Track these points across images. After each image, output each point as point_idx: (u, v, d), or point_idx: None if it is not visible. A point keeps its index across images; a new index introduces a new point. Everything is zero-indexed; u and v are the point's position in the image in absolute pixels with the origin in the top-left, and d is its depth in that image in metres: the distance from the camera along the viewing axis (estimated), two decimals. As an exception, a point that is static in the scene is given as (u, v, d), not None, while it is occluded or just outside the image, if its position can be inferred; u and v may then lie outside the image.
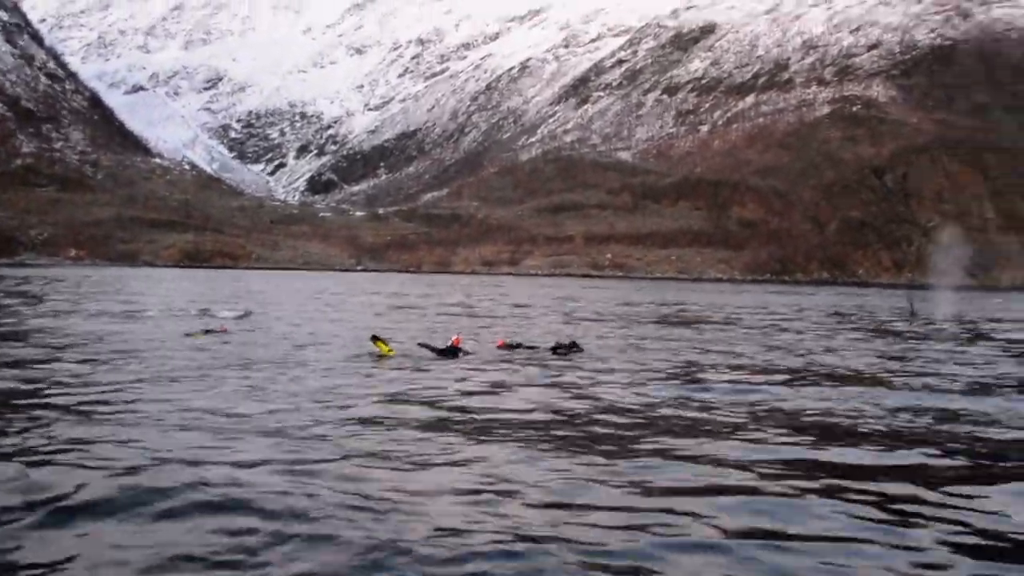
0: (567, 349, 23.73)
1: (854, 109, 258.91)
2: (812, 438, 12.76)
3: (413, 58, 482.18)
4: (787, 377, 19.94)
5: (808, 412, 15.11)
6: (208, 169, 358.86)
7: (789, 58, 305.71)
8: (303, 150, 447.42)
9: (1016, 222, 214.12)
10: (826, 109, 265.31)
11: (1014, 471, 11.11)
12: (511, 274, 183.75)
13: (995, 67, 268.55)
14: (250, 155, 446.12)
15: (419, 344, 23.28)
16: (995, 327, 43.04)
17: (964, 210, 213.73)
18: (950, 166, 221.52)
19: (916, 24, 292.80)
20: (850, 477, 10.44)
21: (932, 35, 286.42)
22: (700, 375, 19.96)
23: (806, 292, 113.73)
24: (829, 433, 13.24)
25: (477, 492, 9.38)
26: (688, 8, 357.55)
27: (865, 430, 13.48)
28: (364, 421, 13.17)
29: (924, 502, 9.46)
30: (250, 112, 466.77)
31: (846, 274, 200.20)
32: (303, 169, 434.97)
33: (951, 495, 9.71)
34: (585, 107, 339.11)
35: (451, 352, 22.21)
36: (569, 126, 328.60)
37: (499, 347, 24.45)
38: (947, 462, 11.45)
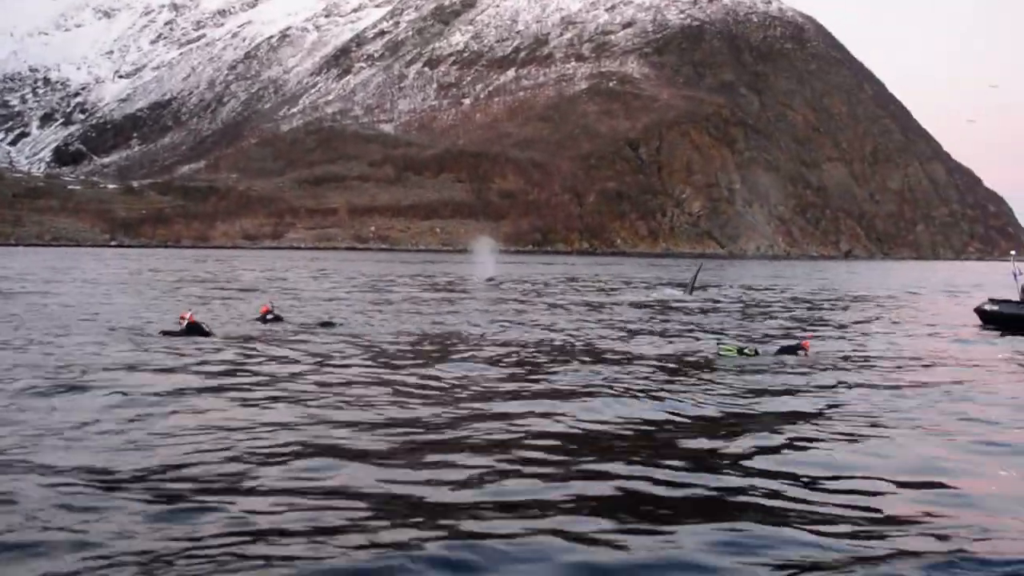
0: (324, 325, 25.09)
1: (610, 84, 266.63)
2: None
3: (167, 23, 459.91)
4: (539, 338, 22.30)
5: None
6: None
7: (549, 33, 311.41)
8: (48, 119, 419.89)
9: (759, 194, 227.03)
10: (584, 84, 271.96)
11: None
12: (274, 248, 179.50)
13: (739, 48, 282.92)
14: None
15: (162, 332, 22.25)
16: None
17: (712, 182, 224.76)
18: (699, 140, 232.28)
19: (667, 4, 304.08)
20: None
21: (682, 16, 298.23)
22: (424, 347, 20.93)
23: (563, 262, 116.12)
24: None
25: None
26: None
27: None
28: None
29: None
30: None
31: (605, 244, 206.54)
32: (48, 139, 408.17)
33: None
34: (347, 78, 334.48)
35: (197, 330, 21.74)
36: (331, 97, 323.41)
37: (257, 318, 25.34)
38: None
